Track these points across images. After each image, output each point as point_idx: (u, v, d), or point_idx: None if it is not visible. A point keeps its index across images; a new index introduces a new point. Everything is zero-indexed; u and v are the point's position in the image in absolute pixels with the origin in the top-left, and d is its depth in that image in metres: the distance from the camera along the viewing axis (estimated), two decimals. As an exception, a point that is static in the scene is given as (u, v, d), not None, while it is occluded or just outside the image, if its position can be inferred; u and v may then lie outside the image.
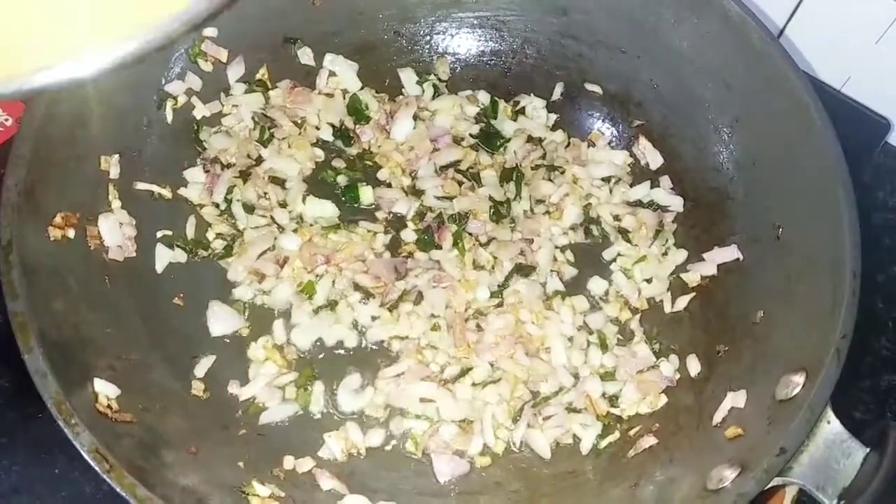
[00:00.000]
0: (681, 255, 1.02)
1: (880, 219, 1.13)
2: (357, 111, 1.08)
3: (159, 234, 0.96)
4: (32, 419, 0.92)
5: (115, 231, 0.90)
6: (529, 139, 1.09)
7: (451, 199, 1.04)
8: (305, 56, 1.08)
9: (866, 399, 1.02)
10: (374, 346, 0.96)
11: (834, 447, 0.74)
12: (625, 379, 0.95)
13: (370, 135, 1.08)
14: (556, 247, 1.03)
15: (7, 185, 0.80)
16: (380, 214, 1.04)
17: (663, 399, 0.93)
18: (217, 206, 1.01)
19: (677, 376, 0.95)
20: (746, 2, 0.93)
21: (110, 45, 0.37)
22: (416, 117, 1.08)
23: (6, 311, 0.76)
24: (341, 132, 1.08)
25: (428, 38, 1.12)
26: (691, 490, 0.78)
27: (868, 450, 0.74)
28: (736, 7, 0.92)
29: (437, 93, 1.11)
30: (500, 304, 0.98)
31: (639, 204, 1.06)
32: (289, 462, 0.88)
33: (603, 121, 1.11)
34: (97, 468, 0.71)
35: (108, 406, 0.78)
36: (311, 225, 1.02)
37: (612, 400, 0.94)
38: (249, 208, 1.01)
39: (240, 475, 0.84)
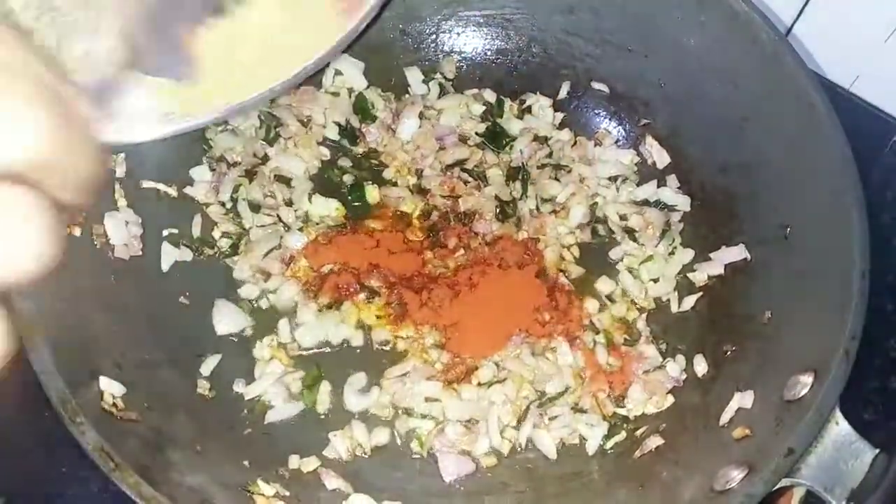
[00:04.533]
0: (688, 255, 1.01)
1: (889, 219, 1.12)
2: (363, 110, 1.08)
3: (165, 233, 0.96)
4: (38, 417, 0.92)
5: (120, 229, 0.90)
6: (536, 138, 1.09)
7: (456, 198, 1.04)
8: (311, 55, 1.08)
9: (875, 400, 1.01)
10: (379, 346, 0.96)
11: (842, 448, 0.74)
12: (631, 379, 0.94)
13: (376, 134, 1.08)
14: (563, 246, 1.02)
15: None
16: (385, 213, 1.03)
17: (670, 399, 0.93)
18: (223, 204, 1.01)
19: (684, 376, 0.94)
20: (754, 0, 0.93)
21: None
22: (421, 116, 1.08)
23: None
24: (347, 131, 1.08)
25: (434, 36, 1.12)
26: (698, 491, 0.77)
27: (877, 451, 0.73)
28: (744, 6, 0.92)
29: (442, 92, 1.11)
30: (505, 304, 0.98)
31: (645, 203, 1.06)
32: (294, 461, 0.88)
33: (609, 120, 1.10)
34: (102, 467, 0.70)
35: (114, 404, 0.78)
36: (317, 224, 1.02)
37: (619, 400, 0.94)
38: (255, 207, 1.01)
39: (245, 474, 0.84)
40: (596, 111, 1.10)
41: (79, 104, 0.40)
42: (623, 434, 0.92)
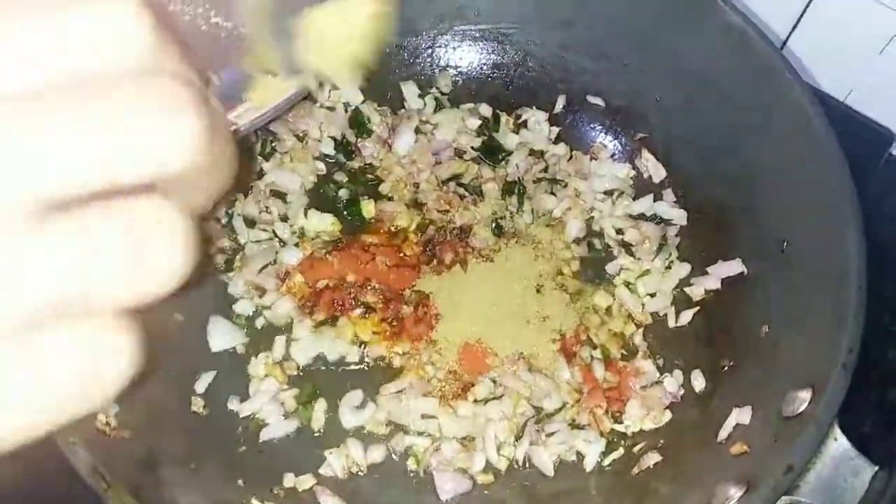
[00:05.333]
0: (684, 269, 1.01)
1: (885, 231, 1.12)
2: (359, 124, 1.08)
3: (159, 249, 0.95)
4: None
5: (114, 246, 0.90)
6: (531, 152, 1.09)
7: (452, 212, 1.04)
8: (307, 70, 1.08)
9: (874, 415, 1.00)
10: (375, 362, 0.95)
11: (842, 465, 0.73)
12: (629, 395, 0.94)
13: (372, 148, 1.07)
14: (559, 260, 1.02)
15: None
16: (381, 228, 1.03)
17: (667, 415, 0.92)
18: (218, 220, 1.01)
19: (681, 392, 0.94)
20: (749, 13, 0.93)
21: None
22: (417, 131, 1.08)
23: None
24: (343, 146, 1.08)
25: (430, 50, 1.12)
26: (697, 508, 0.77)
27: (876, 468, 0.73)
28: (738, 19, 0.92)
29: (438, 106, 1.11)
30: (502, 319, 0.97)
31: (642, 217, 1.05)
32: (289, 479, 0.87)
33: (605, 134, 1.10)
34: (95, 487, 0.70)
35: (107, 423, 0.77)
36: (312, 239, 1.01)
37: (616, 416, 0.93)
38: (250, 222, 1.01)
39: (239, 493, 0.83)
40: (592, 125, 1.10)
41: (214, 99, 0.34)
42: (621, 450, 0.91)
